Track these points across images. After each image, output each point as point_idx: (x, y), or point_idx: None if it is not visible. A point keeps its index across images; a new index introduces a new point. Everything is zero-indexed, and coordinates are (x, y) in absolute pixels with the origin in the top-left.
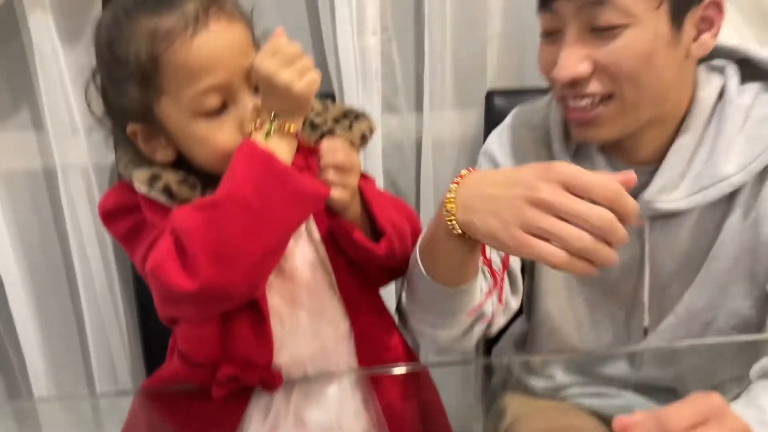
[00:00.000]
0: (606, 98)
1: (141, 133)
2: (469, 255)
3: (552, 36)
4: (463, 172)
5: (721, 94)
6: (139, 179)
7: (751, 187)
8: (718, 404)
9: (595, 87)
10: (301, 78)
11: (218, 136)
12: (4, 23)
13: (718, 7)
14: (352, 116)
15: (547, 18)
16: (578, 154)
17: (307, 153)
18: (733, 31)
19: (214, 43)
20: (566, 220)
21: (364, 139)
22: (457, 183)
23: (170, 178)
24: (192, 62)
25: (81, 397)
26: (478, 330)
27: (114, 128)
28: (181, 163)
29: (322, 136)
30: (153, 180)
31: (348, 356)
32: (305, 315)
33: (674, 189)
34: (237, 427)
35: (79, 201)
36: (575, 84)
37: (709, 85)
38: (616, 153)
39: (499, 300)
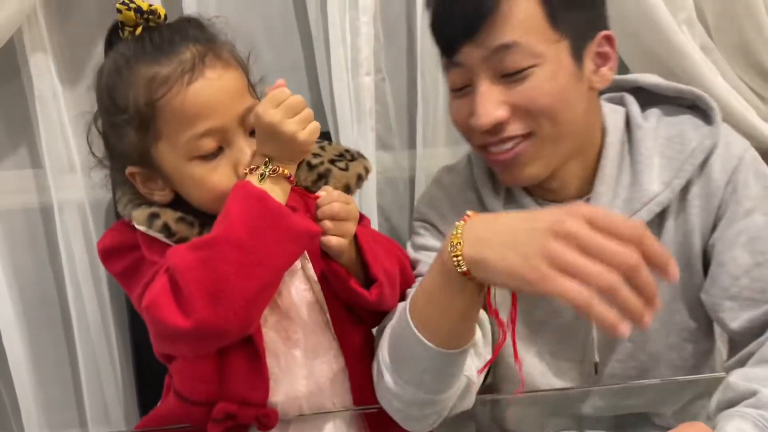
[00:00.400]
0: (526, 137)
1: (139, 175)
2: (471, 305)
3: (462, 90)
4: (469, 212)
5: (627, 122)
6: (139, 218)
7: (676, 205)
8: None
9: (514, 129)
10: (305, 128)
11: (213, 178)
12: (4, 64)
13: (610, 42)
14: (348, 157)
15: (455, 73)
16: (508, 200)
17: (303, 193)
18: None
19: (210, 89)
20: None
21: (360, 180)
22: (464, 220)
23: (169, 216)
24: (188, 108)
25: None
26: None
27: (113, 170)
28: (179, 203)
29: (319, 177)
30: (152, 218)
31: (343, 394)
32: (300, 353)
33: None
34: None
35: (75, 237)
36: (495, 130)
37: (614, 114)
38: (543, 195)
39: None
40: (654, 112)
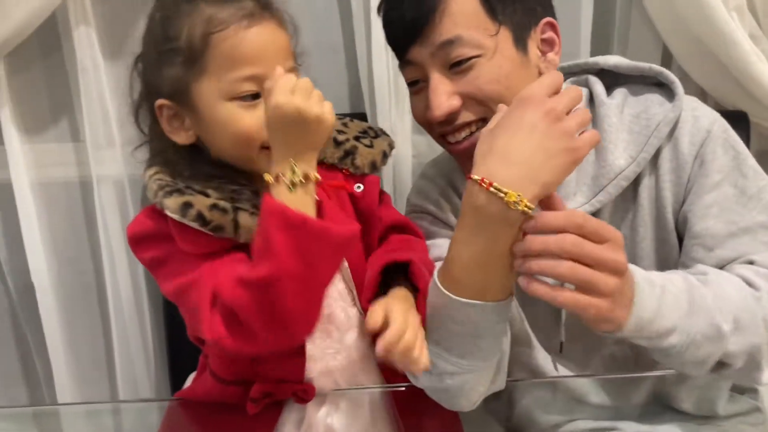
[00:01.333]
0: (480, 123)
1: (168, 109)
2: (509, 237)
3: (417, 85)
4: (475, 177)
5: (591, 101)
6: (172, 207)
7: (648, 180)
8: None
9: (467, 116)
10: (324, 107)
11: (244, 120)
12: (46, 37)
13: (554, 29)
14: (371, 134)
15: (408, 71)
16: None
17: (326, 176)
18: None
19: (263, 37)
20: None
21: (384, 156)
22: (486, 183)
23: (201, 204)
24: (240, 49)
25: (104, 402)
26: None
27: (151, 144)
28: (195, 153)
29: (345, 154)
30: (186, 207)
31: (372, 370)
32: (332, 328)
33: (575, 195)
34: None
35: (113, 212)
36: (450, 119)
37: None
38: None
39: None
40: (620, 91)
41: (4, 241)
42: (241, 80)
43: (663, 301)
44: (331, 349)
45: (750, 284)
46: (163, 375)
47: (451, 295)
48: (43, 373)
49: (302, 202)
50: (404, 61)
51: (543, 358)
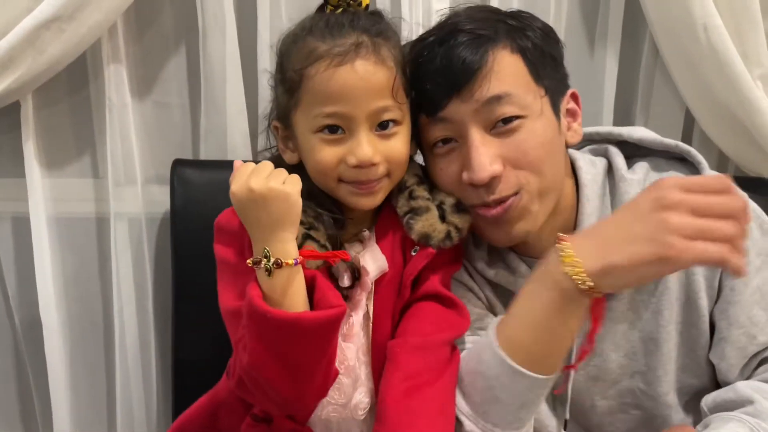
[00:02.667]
0: (514, 194)
1: (281, 130)
2: (581, 321)
3: (447, 144)
4: (561, 234)
5: (610, 173)
6: None
7: None
8: None
9: (505, 185)
10: (287, 182)
11: (322, 152)
12: (75, 74)
13: (575, 99)
14: (461, 207)
15: (439, 128)
16: (491, 253)
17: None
18: None
19: (350, 78)
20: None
21: (449, 237)
22: (561, 242)
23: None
24: (326, 88)
25: None
26: None
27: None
28: (302, 172)
29: (409, 211)
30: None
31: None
32: (348, 384)
33: None
34: None
35: (125, 250)
36: (490, 184)
37: (593, 168)
38: (523, 251)
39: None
40: (642, 165)
41: (16, 274)
42: (323, 116)
43: None
44: (337, 402)
45: None
46: (165, 422)
47: (507, 358)
48: (41, 411)
49: (283, 285)
50: (438, 118)
51: (550, 430)
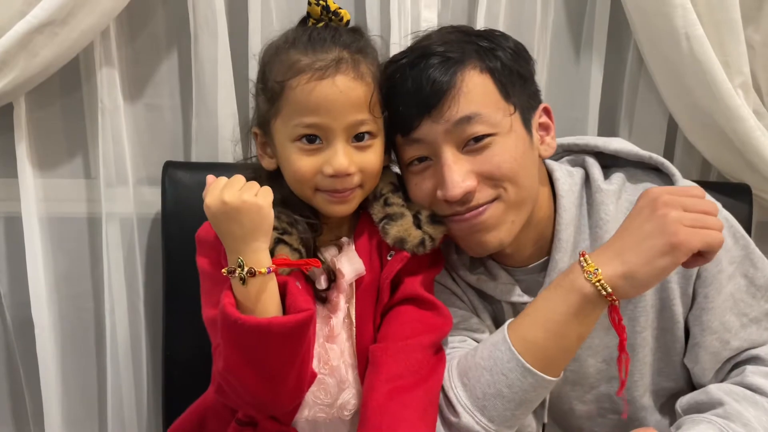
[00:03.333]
0: (490, 202)
1: (260, 137)
2: (592, 326)
3: (422, 162)
4: (583, 251)
5: (587, 184)
6: None
7: None
8: None
9: (481, 197)
10: (258, 194)
11: (300, 161)
12: (68, 76)
13: (548, 114)
14: (436, 218)
15: (414, 148)
16: (472, 260)
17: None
18: None
19: (330, 92)
20: None
21: (422, 244)
22: (582, 255)
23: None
24: (306, 100)
25: None
26: None
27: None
28: (279, 178)
29: (384, 217)
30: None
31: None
32: (333, 384)
33: None
34: None
35: (117, 250)
36: (464, 199)
37: (570, 178)
38: (501, 259)
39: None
40: (618, 176)
41: (8, 274)
42: (302, 126)
43: None
44: (323, 402)
45: (763, 393)
46: (155, 422)
47: (518, 355)
48: (32, 410)
49: (257, 292)
50: (411, 138)
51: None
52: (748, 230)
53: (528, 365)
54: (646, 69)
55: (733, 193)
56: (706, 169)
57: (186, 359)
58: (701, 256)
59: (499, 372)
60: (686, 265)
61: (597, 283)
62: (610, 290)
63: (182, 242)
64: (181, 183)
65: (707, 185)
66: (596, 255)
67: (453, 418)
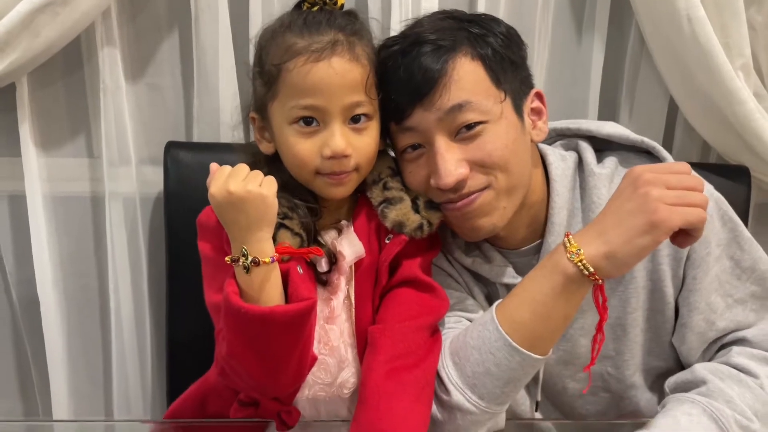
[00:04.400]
0: (481, 190)
1: (257, 121)
2: (577, 306)
3: (415, 150)
4: (568, 232)
5: (580, 167)
6: None
7: None
8: None
9: (473, 185)
10: (263, 184)
11: (299, 146)
12: (70, 56)
13: (540, 98)
14: (434, 204)
15: (407, 136)
16: (468, 243)
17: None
18: None
19: (327, 74)
20: None
21: (420, 228)
22: (567, 236)
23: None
24: (303, 82)
25: (98, 421)
26: None
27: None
28: (278, 163)
29: (383, 201)
30: None
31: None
32: (333, 364)
33: None
34: None
35: (120, 229)
36: (457, 187)
37: (563, 162)
38: (496, 242)
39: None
40: (611, 160)
41: (13, 252)
42: (299, 108)
43: None
44: (323, 381)
45: (748, 373)
46: (160, 395)
47: (505, 334)
48: (39, 386)
49: (260, 281)
50: (404, 126)
51: (523, 408)
52: (746, 212)
53: (515, 344)
54: (648, 50)
55: (732, 175)
56: (705, 151)
57: (188, 338)
58: (689, 235)
59: (488, 351)
60: (678, 244)
61: (579, 263)
62: (592, 270)
63: (185, 222)
64: (183, 163)
65: (707, 167)
66: (579, 235)
67: (444, 396)
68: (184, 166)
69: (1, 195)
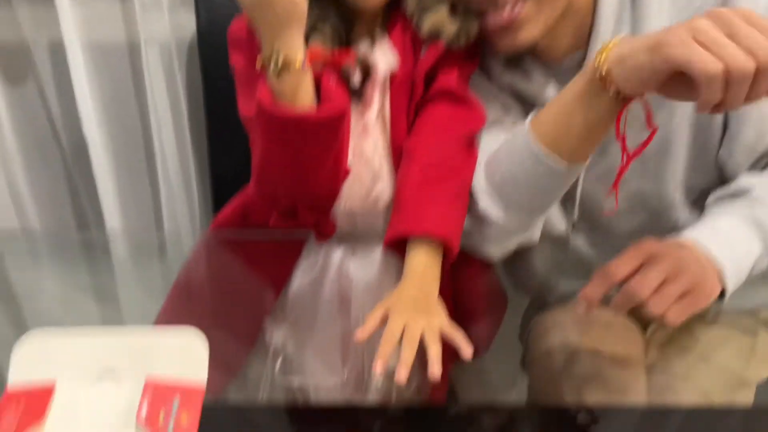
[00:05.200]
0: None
1: None
2: (599, 121)
3: None
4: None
5: None
6: None
7: None
8: (651, 245)
9: None
10: None
11: None
12: None
13: None
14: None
15: None
16: (507, 60)
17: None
18: None
19: None
20: None
21: (458, 38)
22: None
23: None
24: None
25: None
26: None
27: None
28: None
29: (417, 7)
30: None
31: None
32: (368, 175)
33: None
34: (287, 276)
35: (157, 74)
36: None
37: None
38: (539, 54)
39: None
40: None
41: (57, 98)
42: None
43: (739, 257)
44: (359, 193)
45: None
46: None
47: (532, 140)
48: (94, 219)
49: (292, 86)
50: None
51: (559, 229)
52: None
53: (541, 149)
54: None
55: None
56: None
57: (232, 173)
58: (692, 88)
59: (517, 157)
60: (669, 95)
61: (597, 63)
62: (603, 73)
63: (219, 63)
64: (214, 1)
65: None
66: (617, 41)
67: (472, 205)
68: (215, 4)
69: (39, 43)
